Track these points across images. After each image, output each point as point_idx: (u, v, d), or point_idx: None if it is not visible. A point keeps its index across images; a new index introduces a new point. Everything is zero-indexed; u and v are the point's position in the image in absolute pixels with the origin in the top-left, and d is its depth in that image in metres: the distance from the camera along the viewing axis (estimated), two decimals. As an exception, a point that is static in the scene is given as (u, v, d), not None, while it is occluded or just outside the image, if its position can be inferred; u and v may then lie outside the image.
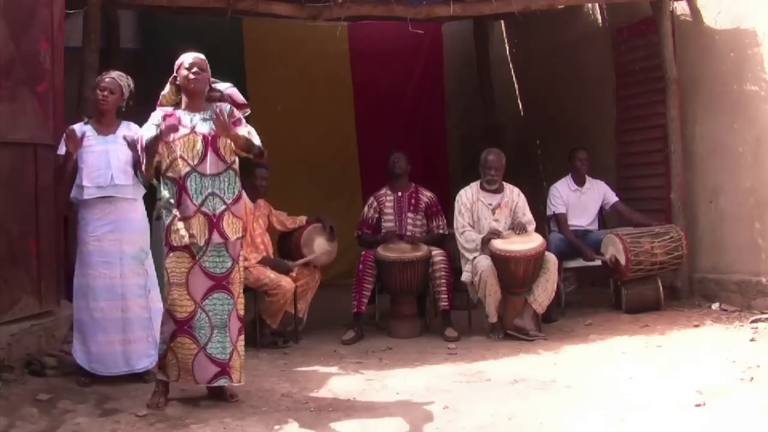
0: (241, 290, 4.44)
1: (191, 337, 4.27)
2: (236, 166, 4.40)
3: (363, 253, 6.39)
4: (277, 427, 3.96)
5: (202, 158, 4.28)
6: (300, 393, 4.60)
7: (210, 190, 4.27)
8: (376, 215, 6.64)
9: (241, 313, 4.43)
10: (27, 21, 5.02)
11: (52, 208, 5.14)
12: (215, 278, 4.30)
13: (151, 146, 4.24)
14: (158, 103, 4.48)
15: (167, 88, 4.46)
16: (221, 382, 4.34)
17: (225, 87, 4.52)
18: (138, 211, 4.83)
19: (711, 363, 4.72)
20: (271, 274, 5.84)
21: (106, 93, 4.80)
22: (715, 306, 6.34)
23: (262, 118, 8.57)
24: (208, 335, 4.28)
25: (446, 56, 9.30)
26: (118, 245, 4.74)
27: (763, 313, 5.90)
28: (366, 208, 6.71)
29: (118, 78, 4.86)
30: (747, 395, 4.05)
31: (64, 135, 4.78)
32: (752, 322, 5.74)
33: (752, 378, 4.33)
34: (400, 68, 9.04)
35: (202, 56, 4.42)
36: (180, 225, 4.27)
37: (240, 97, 4.53)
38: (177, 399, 4.38)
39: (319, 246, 6.28)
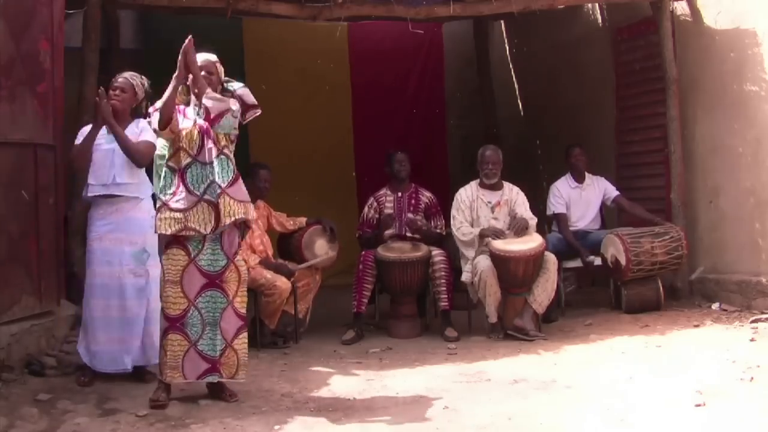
0: (242, 289, 4.44)
1: (183, 333, 4.30)
2: (228, 151, 4.37)
3: (363, 253, 6.38)
4: (277, 427, 3.96)
5: (200, 147, 4.30)
6: (300, 393, 4.61)
7: (211, 179, 4.27)
8: (377, 215, 6.62)
9: (242, 311, 4.44)
10: (27, 21, 5.02)
11: (52, 208, 5.14)
12: (209, 276, 4.33)
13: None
14: None
15: (180, 87, 4.42)
16: (210, 378, 4.38)
17: (237, 87, 4.51)
18: (142, 210, 4.78)
19: (711, 363, 4.72)
20: (267, 275, 5.82)
21: (117, 92, 4.84)
22: (715, 306, 6.33)
23: (262, 118, 8.61)
24: (200, 332, 4.32)
25: (446, 56, 9.28)
26: (119, 244, 4.74)
27: (763, 313, 5.89)
28: (366, 209, 6.69)
29: (130, 78, 4.90)
30: (747, 395, 4.05)
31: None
32: (752, 322, 5.74)
33: (752, 378, 4.33)
34: (400, 68, 9.03)
35: (212, 58, 4.44)
36: (168, 214, 4.27)
37: (250, 98, 4.52)
38: (177, 399, 4.38)
39: (320, 248, 6.27)
